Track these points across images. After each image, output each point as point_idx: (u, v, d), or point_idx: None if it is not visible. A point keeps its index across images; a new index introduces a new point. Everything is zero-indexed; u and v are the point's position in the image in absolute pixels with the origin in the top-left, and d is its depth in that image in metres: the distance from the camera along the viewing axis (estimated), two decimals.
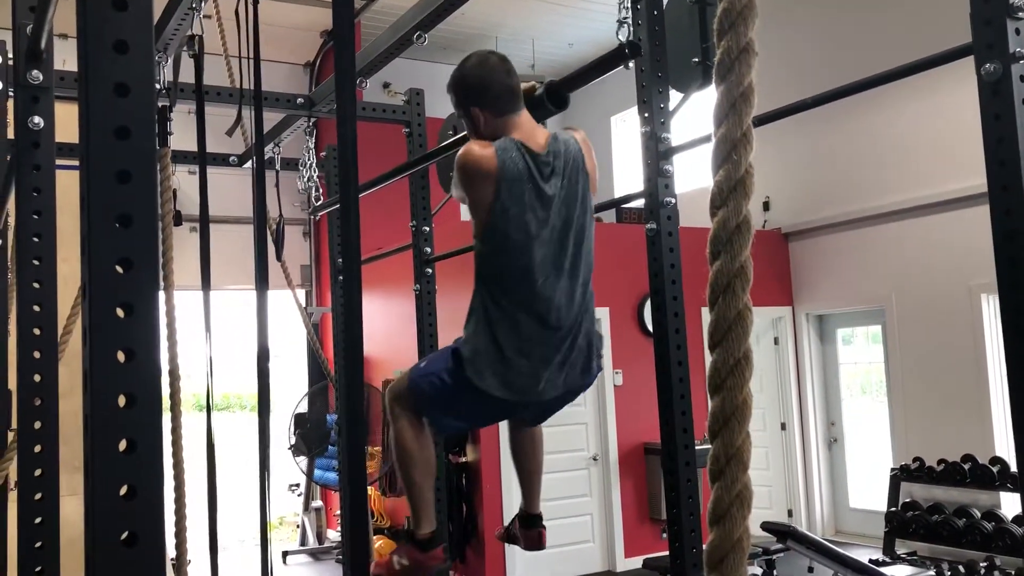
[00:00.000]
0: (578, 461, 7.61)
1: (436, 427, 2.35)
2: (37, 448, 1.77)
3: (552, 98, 2.37)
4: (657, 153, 2.65)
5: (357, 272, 1.71)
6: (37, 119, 1.80)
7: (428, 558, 2.34)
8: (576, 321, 2.25)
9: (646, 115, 2.69)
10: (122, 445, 0.94)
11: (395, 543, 7.63)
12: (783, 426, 8.51)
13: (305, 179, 4.49)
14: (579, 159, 2.29)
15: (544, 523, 2.70)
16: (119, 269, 0.99)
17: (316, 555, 8.72)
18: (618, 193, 8.97)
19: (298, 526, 9.15)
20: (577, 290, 2.25)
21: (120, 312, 0.98)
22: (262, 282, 2.46)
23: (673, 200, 2.66)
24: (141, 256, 0.98)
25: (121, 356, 0.97)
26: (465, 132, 2.48)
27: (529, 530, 2.69)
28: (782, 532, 4.79)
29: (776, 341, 8.62)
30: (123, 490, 0.93)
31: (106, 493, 0.92)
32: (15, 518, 1.87)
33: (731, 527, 0.74)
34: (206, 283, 2.87)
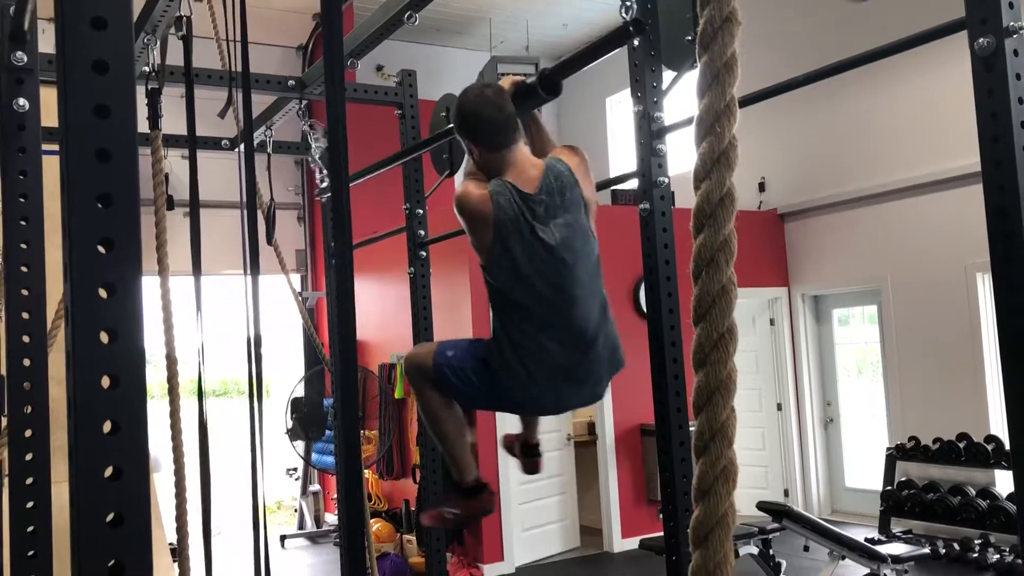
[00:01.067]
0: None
1: (458, 397, 2.46)
2: (28, 433, 1.77)
3: (545, 85, 2.40)
4: (650, 132, 2.63)
5: (349, 254, 1.71)
6: (22, 101, 1.79)
7: (476, 503, 2.50)
8: (595, 340, 2.36)
9: (639, 94, 2.68)
10: (106, 427, 0.93)
11: (393, 526, 7.66)
12: (779, 406, 8.53)
13: (311, 159, 4.45)
14: (574, 191, 2.32)
15: (541, 452, 2.89)
16: (101, 249, 0.98)
17: (314, 539, 8.75)
18: (614, 175, 8.94)
19: (296, 510, 9.17)
20: (594, 312, 2.37)
21: (103, 292, 0.97)
22: (253, 266, 2.44)
23: (666, 180, 2.65)
24: (123, 236, 0.97)
25: (104, 337, 0.96)
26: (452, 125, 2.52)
27: (528, 457, 2.87)
28: (778, 511, 4.81)
29: (772, 322, 8.62)
30: (108, 471, 0.92)
31: (91, 474, 0.92)
32: (7, 503, 1.86)
33: (716, 503, 0.73)
34: (197, 268, 2.85)
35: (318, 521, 8.99)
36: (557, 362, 2.30)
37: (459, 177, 2.67)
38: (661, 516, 7.22)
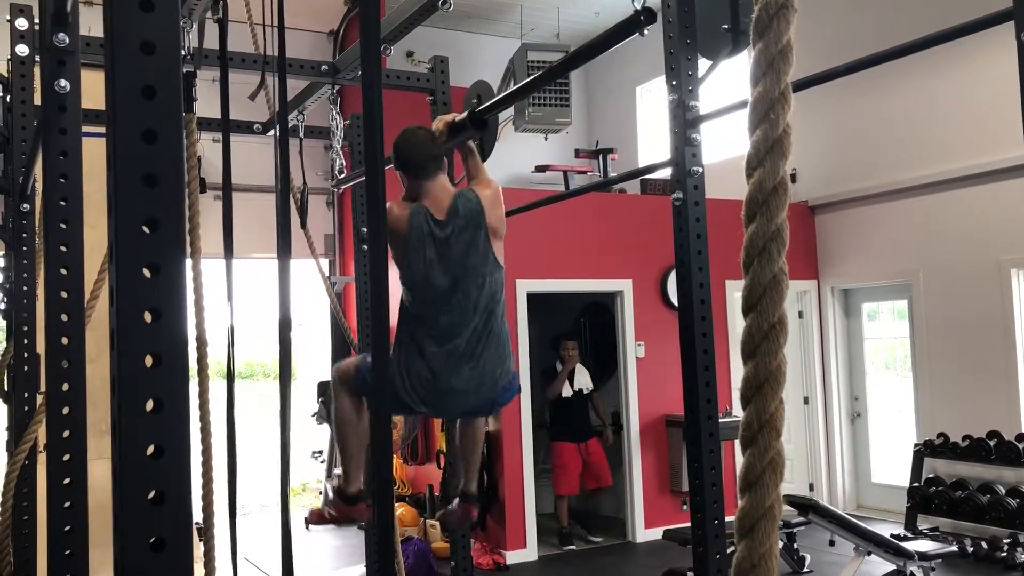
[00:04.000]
0: None
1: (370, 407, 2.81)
2: (65, 410, 1.79)
3: (474, 122, 2.75)
4: (685, 121, 2.61)
5: (383, 237, 1.72)
6: (63, 82, 1.80)
7: (352, 511, 2.91)
8: (478, 352, 2.67)
9: (674, 83, 2.65)
10: (149, 405, 0.94)
11: (417, 511, 7.70)
12: (806, 400, 8.47)
13: (335, 148, 4.47)
14: (478, 216, 2.70)
15: (475, 500, 3.17)
16: (146, 229, 0.98)
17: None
18: (643, 165, 8.88)
19: (320, 492, 9.25)
20: (478, 325, 2.68)
21: (147, 272, 0.98)
22: (284, 250, 2.45)
23: (700, 169, 2.63)
24: (167, 216, 0.97)
25: (148, 316, 0.97)
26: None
27: (463, 503, 3.15)
28: (804, 505, 4.78)
29: (800, 315, 8.55)
30: (150, 450, 0.93)
31: (133, 452, 0.93)
32: (45, 479, 1.89)
33: (763, 494, 0.73)
34: (228, 250, 2.87)
35: None
36: (433, 365, 2.64)
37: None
38: (686, 507, 7.23)
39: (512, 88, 9.49)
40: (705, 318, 2.57)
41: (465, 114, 2.82)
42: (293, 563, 2.64)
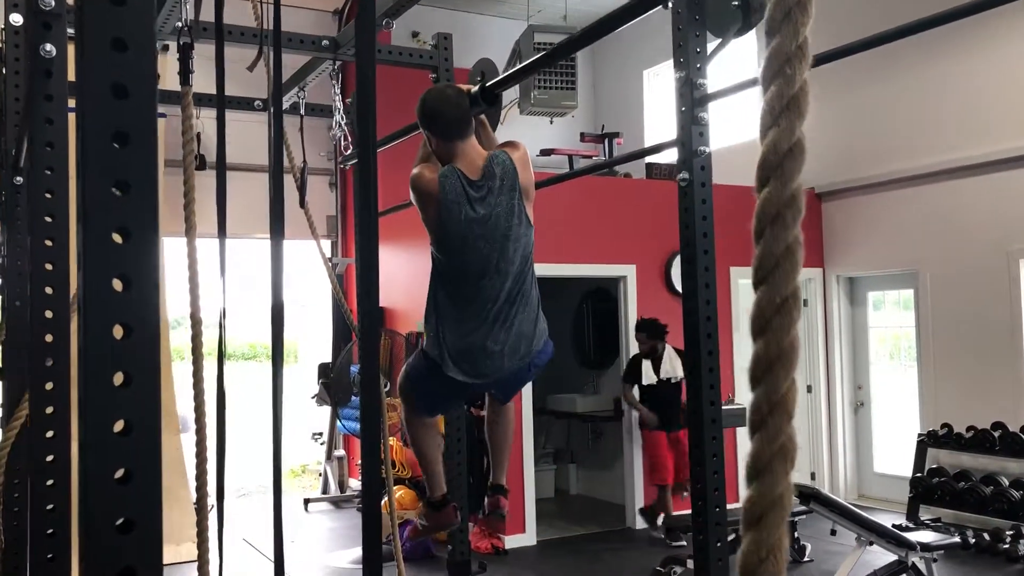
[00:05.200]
0: None
1: (424, 409, 2.85)
2: (49, 386, 1.74)
3: (485, 96, 2.68)
4: (692, 100, 2.54)
5: (374, 213, 1.67)
6: (49, 47, 1.74)
7: (442, 516, 2.95)
8: (512, 314, 2.63)
9: (681, 60, 2.58)
10: (118, 379, 0.88)
11: (416, 494, 7.67)
12: (809, 388, 8.42)
13: (334, 127, 4.41)
14: (513, 177, 2.63)
15: (505, 492, 3.13)
16: (116, 191, 0.92)
17: (337, 503, 8.80)
18: (645, 159, 8.79)
19: (320, 474, 9.24)
20: (512, 288, 2.63)
21: (117, 237, 0.92)
22: (278, 230, 2.40)
23: (707, 150, 2.56)
24: (139, 177, 0.91)
25: (118, 285, 0.91)
26: (468, 86, 2.77)
27: (491, 496, 3.10)
28: (806, 494, 4.73)
29: (805, 303, 8.48)
30: (118, 426, 0.87)
31: (100, 429, 0.87)
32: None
33: (772, 482, 0.67)
34: (222, 227, 2.81)
35: (342, 486, 9.04)
36: (471, 328, 2.59)
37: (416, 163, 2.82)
38: (685, 495, 7.14)
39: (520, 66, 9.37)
40: (710, 302, 2.51)
41: (476, 87, 2.74)
42: (283, 546, 2.61)
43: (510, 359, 2.65)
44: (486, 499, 3.14)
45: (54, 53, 1.74)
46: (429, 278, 2.70)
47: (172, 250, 7.48)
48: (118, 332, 0.90)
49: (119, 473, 0.87)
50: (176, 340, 10.27)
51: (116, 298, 0.91)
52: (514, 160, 2.67)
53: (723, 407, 2.64)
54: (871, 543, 4.74)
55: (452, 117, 2.65)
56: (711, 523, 2.49)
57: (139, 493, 0.87)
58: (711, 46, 2.65)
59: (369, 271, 1.81)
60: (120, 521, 0.87)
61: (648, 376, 7.08)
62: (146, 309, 0.92)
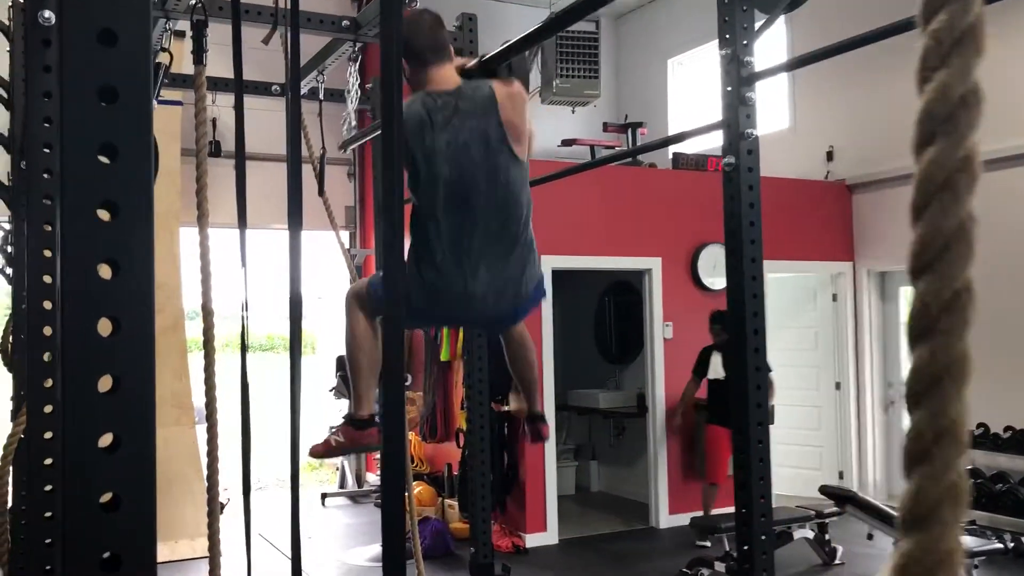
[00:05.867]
0: None
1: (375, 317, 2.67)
2: (48, 383, 1.59)
3: (484, 71, 2.58)
4: (739, 78, 2.37)
5: (399, 208, 1.54)
6: (48, 13, 1.59)
7: (363, 436, 2.68)
8: (496, 254, 2.46)
9: (727, 36, 2.41)
10: (104, 384, 0.73)
11: (435, 490, 7.54)
12: (838, 385, 8.21)
13: (347, 112, 4.27)
14: (488, 103, 2.46)
15: (543, 420, 3.05)
16: (102, 159, 0.77)
17: (355, 498, 8.69)
18: (671, 148, 8.59)
19: (337, 468, 9.13)
20: (493, 224, 2.45)
21: (103, 214, 0.77)
22: (296, 220, 2.26)
23: (755, 132, 2.39)
24: (130, 141, 0.76)
25: (104, 271, 0.76)
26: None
27: (531, 424, 3.03)
28: (842, 497, 4.55)
29: (835, 297, 8.27)
30: (105, 441, 0.72)
31: (83, 444, 0.72)
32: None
33: (940, 533, 0.51)
34: (242, 219, 2.68)
35: (359, 480, 8.93)
36: (445, 265, 2.44)
37: None
38: (710, 485, 6.81)
39: (539, 61, 9.16)
40: (757, 296, 2.34)
41: (475, 60, 2.65)
42: (300, 544, 2.48)
43: (496, 303, 2.52)
44: (528, 428, 3.05)
45: (53, 20, 1.59)
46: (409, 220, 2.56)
47: (191, 241, 7.38)
48: (104, 327, 0.75)
49: (105, 498, 0.72)
50: (192, 331, 10.19)
51: (102, 287, 0.76)
52: (497, 91, 2.49)
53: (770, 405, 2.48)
54: None
55: (424, 42, 2.52)
56: (756, 533, 2.32)
57: (128, 522, 0.72)
58: (758, 23, 2.48)
59: (392, 261, 1.66)
60: (106, 555, 0.71)
61: (716, 370, 6.80)
62: (138, 300, 0.76)
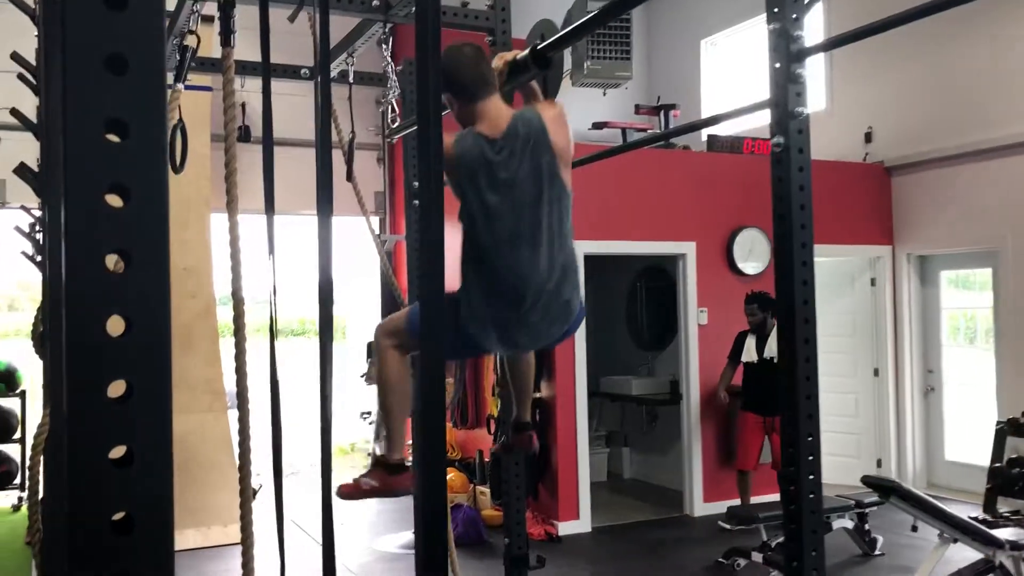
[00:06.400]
0: None
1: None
2: None
3: (536, 60, 2.51)
4: (788, 54, 2.24)
5: (439, 198, 1.48)
6: None
7: (396, 481, 2.59)
8: (544, 285, 2.47)
9: (776, 10, 2.28)
10: (115, 389, 0.65)
11: (466, 477, 7.50)
12: (876, 372, 8.04)
13: (388, 96, 4.18)
14: (541, 136, 2.45)
15: (531, 428, 3.05)
16: (111, 137, 0.69)
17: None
18: (705, 130, 8.41)
19: (369, 454, 9.12)
20: (542, 258, 2.47)
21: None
22: (325, 205, 2.19)
23: (805, 111, 2.27)
24: (142, 116, 0.68)
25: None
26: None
27: (520, 434, 3.01)
28: (885, 488, 4.43)
29: (873, 282, 8.10)
30: (118, 453, 0.65)
31: (91, 457, 0.64)
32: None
33: None
34: (270, 205, 2.62)
35: None
36: (500, 298, 2.44)
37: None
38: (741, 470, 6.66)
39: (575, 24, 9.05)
40: (808, 283, 2.23)
41: (527, 51, 2.56)
42: (333, 532, 2.43)
43: (548, 328, 2.54)
44: (512, 436, 3.05)
45: None
46: (460, 252, 2.54)
47: (223, 227, 7.36)
48: (115, 327, 0.67)
49: (117, 516, 0.64)
50: (224, 317, 10.24)
51: (111, 281, 0.68)
52: (545, 119, 2.49)
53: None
54: (955, 540, 4.42)
55: (469, 78, 2.49)
56: (807, 529, 2.23)
57: (142, 543, 0.64)
58: None
59: (433, 250, 1.58)
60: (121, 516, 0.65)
61: (749, 353, 6.65)
62: (152, 296, 0.68)
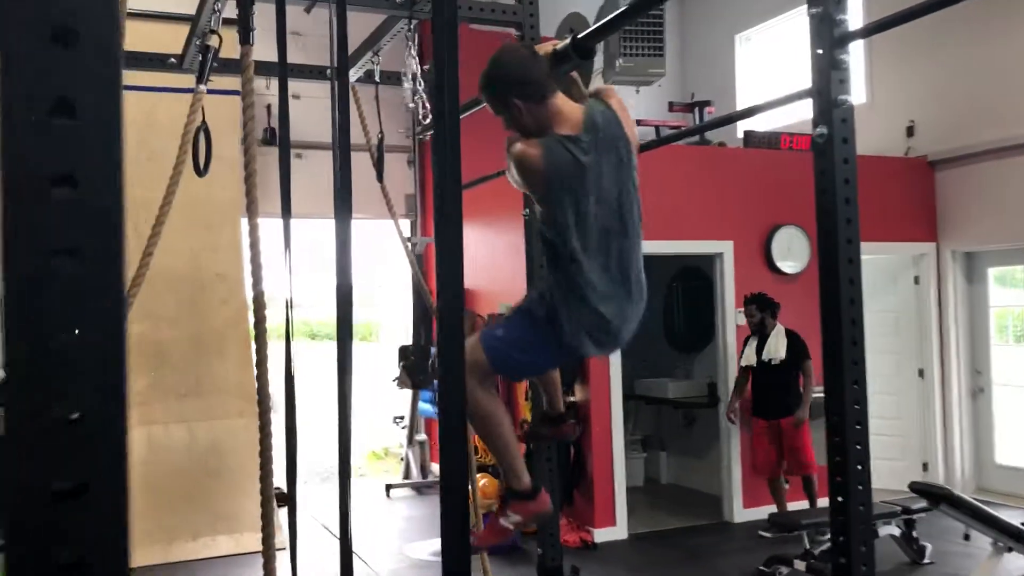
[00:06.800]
0: None
1: (511, 375, 2.83)
2: None
3: (578, 50, 2.43)
4: (831, 38, 2.11)
5: (457, 195, 1.40)
6: None
7: (537, 504, 2.45)
8: (640, 275, 2.47)
9: None
10: (63, 413, 0.56)
11: (499, 482, 7.39)
12: (920, 373, 7.81)
13: (409, 95, 4.11)
14: (617, 129, 2.41)
15: (570, 418, 2.98)
16: (59, 120, 0.60)
17: (419, 489, 8.61)
18: (741, 126, 8.25)
19: (402, 459, 9.07)
20: (637, 248, 2.46)
21: (61, 192, 0.60)
22: (344, 206, 2.13)
23: (849, 99, 2.13)
24: (91, 93, 0.59)
25: (64, 193, 0.60)
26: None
27: (561, 425, 2.93)
28: (936, 495, 4.25)
29: (916, 280, 7.86)
30: (63, 486, 0.56)
31: (33, 496, 0.55)
32: None
33: None
34: (286, 206, 2.56)
35: (424, 471, 8.85)
36: (615, 300, 2.38)
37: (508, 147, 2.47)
38: (787, 484, 6.54)
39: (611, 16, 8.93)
40: (854, 282, 2.10)
41: (568, 40, 2.46)
42: (350, 540, 2.36)
43: (635, 324, 2.50)
44: (550, 429, 2.97)
45: None
46: (549, 264, 2.46)
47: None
48: (63, 339, 0.58)
49: (65, 556, 0.55)
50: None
51: (57, 286, 0.59)
52: (614, 107, 2.44)
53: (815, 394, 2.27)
54: (1010, 549, 4.23)
55: (536, 74, 2.36)
56: (855, 544, 2.09)
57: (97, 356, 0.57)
58: None
59: (451, 253, 1.49)
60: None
61: (748, 357, 6.55)
62: (104, 302, 0.59)
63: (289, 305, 2.54)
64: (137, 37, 4.83)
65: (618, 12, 2.40)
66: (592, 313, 2.35)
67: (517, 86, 2.34)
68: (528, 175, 2.34)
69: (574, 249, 2.33)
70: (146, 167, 5.73)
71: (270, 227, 2.70)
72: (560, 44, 2.49)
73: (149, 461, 6.36)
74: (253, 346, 2.87)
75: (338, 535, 6.46)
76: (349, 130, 2.18)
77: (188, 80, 3.49)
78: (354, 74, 4.08)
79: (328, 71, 4.19)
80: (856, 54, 8.11)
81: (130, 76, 4.45)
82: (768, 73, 9.44)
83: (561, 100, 2.38)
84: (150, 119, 6.62)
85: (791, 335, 6.47)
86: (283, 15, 2.47)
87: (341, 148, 2.15)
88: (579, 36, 2.48)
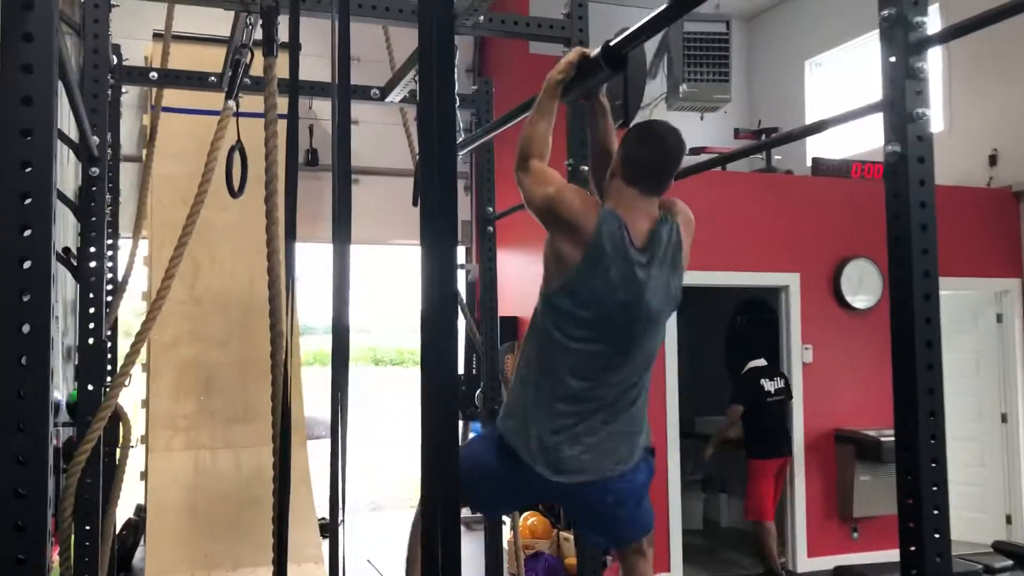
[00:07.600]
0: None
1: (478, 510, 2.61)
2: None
3: (608, 60, 2.24)
4: (906, 45, 1.85)
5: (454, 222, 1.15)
6: None
7: None
8: (619, 411, 2.31)
9: None
10: None
11: (549, 522, 7.11)
12: (1004, 417, 7.28)
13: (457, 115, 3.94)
14: (676, 251, 2.33)
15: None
16: None
17: (468, 524, 8.36)
18: (810, 153, 7.91)
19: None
20: (632, 376, 2.32)
21: None
22: (343, 230, 1.95)
23: (927, 112, 1.86)
24: None
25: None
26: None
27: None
28: (1022, 556, 3.84)
29: (999, 318, 7.36)
30: None
31: None
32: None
33: None
34: (291, 231, 2.40)
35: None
36: (569, 409, 2.25)
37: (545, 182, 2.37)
38: (856, 535, 6.10)
39: (664, 64, 8.63)
40: (931, 321, 1.82)
41: (598, 49, 2.28)
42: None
43: (601, 461, 2.30)
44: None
45: None
46: (526, 340, 2.36)
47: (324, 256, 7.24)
48: None
49: None
50: (306, 346, 10.19)
51: None
52: (683, 231, 2.36)
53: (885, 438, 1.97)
54: None
55: (666, 173, 2.32)
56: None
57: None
58: None
59: (440, 264, 1.29)
60: None
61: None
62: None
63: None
64: (196, 60, 4.79)
65: (655, 14, 2.15)
66: (548, 429, 2.26)
67: (648, 167, 2.31)
68: (564, 227, 2.25)
69: (571, 336, 2.27)
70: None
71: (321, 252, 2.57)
72: (592, 53, 2.33)
73: (195, 487, 6.28)
74: (309, 370, 2.71)
75: (380, 569, 6.20)
76: (349, 150, 2.01)
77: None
78: (398, 93, 3.94)
79: (372, 91, 4.06)
80: (933, 78, 7.71)
81: (203, 99, 4.35)
82: (840, 100, 9.07)
83: (648, 203, 2.32)
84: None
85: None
86: (346, 39, 2.25)
87: (341, 169, 1.98)
88: (610, 43, 2.26)
